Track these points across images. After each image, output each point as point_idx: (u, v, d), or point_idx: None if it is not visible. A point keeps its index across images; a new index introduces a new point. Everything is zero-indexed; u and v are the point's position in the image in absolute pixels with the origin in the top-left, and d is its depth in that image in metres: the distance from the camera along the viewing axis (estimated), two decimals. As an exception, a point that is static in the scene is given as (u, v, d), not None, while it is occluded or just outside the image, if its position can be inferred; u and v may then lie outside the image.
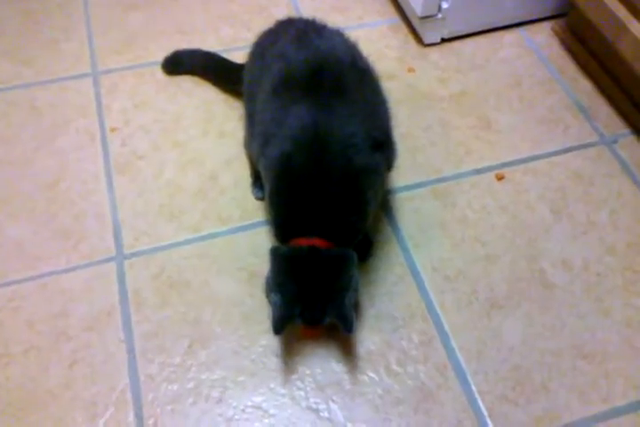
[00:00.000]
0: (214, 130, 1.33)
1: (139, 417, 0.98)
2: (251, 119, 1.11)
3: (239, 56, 1.45)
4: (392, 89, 1.33)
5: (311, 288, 0.91)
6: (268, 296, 0.95)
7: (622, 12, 1.20)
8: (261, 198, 1.21)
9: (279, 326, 0.91)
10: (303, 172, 0.93)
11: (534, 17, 1.52)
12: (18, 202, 1.22)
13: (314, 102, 0.96)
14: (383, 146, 1.02)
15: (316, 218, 0.94)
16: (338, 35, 1.11)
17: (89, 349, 1.05)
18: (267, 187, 1.00)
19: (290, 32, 1.09)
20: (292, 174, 0.95)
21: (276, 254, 0.95)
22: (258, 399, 1.00)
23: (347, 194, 0.94)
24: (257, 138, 1.02)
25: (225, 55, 1.40)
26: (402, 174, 1.26)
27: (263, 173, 1.01)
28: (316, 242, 0.93)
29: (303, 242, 0.93)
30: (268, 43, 1.12)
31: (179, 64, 1.43)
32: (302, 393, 1.00)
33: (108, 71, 1.44)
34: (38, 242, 1.17)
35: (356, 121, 0.97)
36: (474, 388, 1.01)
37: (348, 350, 1.04)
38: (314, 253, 0.92)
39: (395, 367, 1.03)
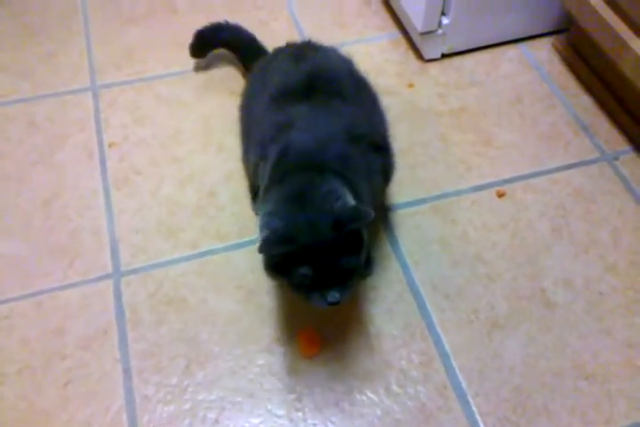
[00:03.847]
0: (214, 145, 1.32)
1: (134, 439, 0.97)
2: (246, 133, 1.12)
3: (240, 71, 1.45)
4: (392, 104, 1.33)
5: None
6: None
7: (623, 29, 1.19)
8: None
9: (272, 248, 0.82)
10: (300, 163, 0.92)
11: (535, 33, 1.52)
12: (14, 217, 1.21)
13: (312, 104, 0.98)
14: (381, 149, 1.04)
15: None
16: (333, 50, 1.15)
17: (84, 368, 1.03)
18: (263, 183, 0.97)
19: (286, 51, 1.14)
20: (289, 166, 0.92)
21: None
22: (255, 421, 0.98)
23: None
24: (255, 148, 1.03)
25: (223, 70, 1.40)
26: (402, 190, 1.25)
27: (262, 176, 0.99)
28: None
29: None
30: (266, 64, 1.16)
31: (204, 45, 1.42)
32: (300, 414, 0.99)
33: (107, 85, 1.43)
34: (34, 258, 1.15)
35: (355, 118, 0.99)
36: (475, 409, 1.00)
37: (346, 370, 1.03)
38: None
39: (394, 388, 1.01)
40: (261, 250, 0.81)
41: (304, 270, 0.82)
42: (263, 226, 0.85)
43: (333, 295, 0.84)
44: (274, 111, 1.01)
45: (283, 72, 1.06)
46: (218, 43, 1.42)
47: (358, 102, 1.04)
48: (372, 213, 0.83)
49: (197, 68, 1.46)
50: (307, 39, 1.17)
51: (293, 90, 1.01)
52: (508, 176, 1.28)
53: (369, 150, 0.99)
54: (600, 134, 1.35)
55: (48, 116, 1.37)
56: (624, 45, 1.19)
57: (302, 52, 1.10)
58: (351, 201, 0.87)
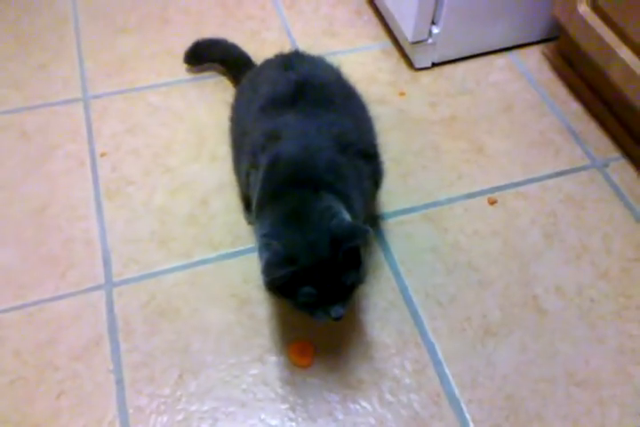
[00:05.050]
0: (206, 154, 1.32)
1: (127, 450, 0.96)
2: (237, 143, 1.13)
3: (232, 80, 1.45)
4: (384, 113, 1.34)
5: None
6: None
7: (611, 38, 1.20)
8: (253, 223, 1.20)
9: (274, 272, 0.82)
10: (291, 173, 0.92)
11: (525, 41, 1.53)
12: (5, 228, 1.21)
13: (301, 113, 0.99)
14: (371, 157, 1.04)
15: None
16: (320, 59, 1.15)
17: (77, 379, 1.03)
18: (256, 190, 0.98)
19: (274, 62, 1.14)
20: (281, 176, 0.93)
21: None
22: (249, 431, 0.98)
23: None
24: (246, 158, 1.03)
25: (215, 80, 1.40)
26: (393, 199, 1.25)
27: (254, 185, 0.99)
28: None
29: None
30: (254, 75, 1.17)
31: (199, 56, 1.45)
32: (294, 424, 0.99)
33: (99, 95, 1.43)
34: (25, 269, 1.15)
35: (343, 125, 1.00)
36: (468, 417, 1.00)
37: (340, 379, 1.03)
38: None
39: (388, 396, 1.01)
40: (264, 273, 0.82)
41: (308, 290, 0.83)
42: (262, 248, 0.85)
43: (337, 311, 0.85)
44: (263, 121, 1.01)
45: (271, 82, 1.06)
46: (212, 58, 1.44)
47: (346, 110, 1.05)
48: (370, 230, 0.84)
49: (189, 78, 1.47)
50: (294, 49, 1.18)
51: (282, 99, 1.01)
52: (499, 184, 1.29)
53: (358, 158, 1.00)
54: (590, 141, 1.36)
55: (39, 126, 1.37)
56: (612, 54, 1.20)
57: (290, 61, 1.11)
58: (347, 218, 0.88)
